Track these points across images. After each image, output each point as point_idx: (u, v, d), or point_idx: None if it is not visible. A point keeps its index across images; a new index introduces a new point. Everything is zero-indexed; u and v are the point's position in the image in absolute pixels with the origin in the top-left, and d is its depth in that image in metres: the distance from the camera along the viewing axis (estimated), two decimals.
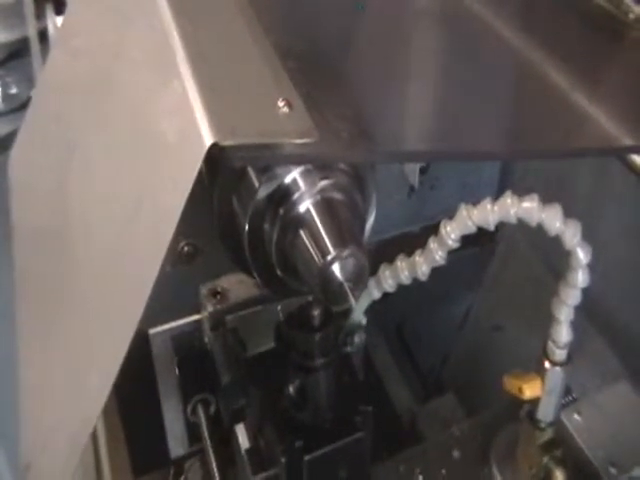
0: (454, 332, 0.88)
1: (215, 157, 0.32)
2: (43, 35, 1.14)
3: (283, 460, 0.47)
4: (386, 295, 0.71)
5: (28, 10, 1.11)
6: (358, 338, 0.52)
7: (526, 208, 0.39)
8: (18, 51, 1.40)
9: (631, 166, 0.55)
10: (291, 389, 0.48)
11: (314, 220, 0.41)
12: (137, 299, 0.36)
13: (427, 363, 0.91)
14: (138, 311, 0.36)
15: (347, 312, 0.50)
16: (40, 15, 1.12)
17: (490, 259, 0.82)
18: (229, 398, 0.52)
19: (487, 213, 0.39)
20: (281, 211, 0.42)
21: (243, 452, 0.53)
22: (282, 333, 0.48)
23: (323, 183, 0.42)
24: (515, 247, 0.78)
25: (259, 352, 0.53)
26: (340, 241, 0.40)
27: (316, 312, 0.45)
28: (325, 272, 0.39)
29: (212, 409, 0.60)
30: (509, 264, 0.80)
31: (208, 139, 0.32)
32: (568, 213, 0.39)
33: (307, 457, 0.47)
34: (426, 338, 0.91)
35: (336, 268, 0.39)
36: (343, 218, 0.42)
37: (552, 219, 0.39)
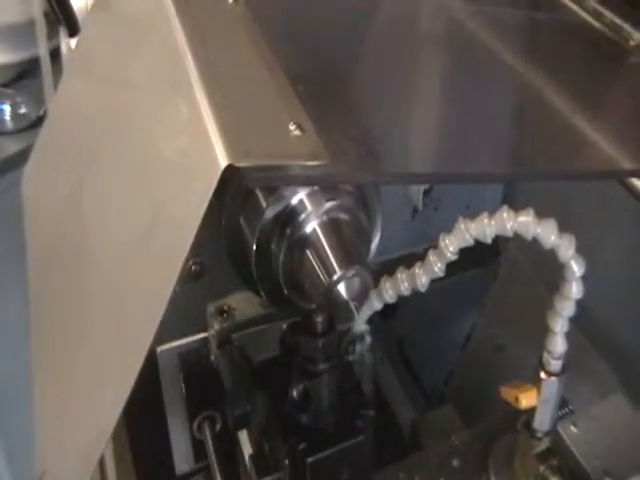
0: (457, 353, 0.88)
1: (229, 178, 0.33)
2: (53, 55, 1.16)
3: (287, 462, 0.48)
4: (390, 316, 0.72)
5: (40, 31, 1.12)
6: (360, 347, 0.53)
7: (522, 222, 0.40)
8: (27, 71, 1.42)
9: (631, 189, 0.56)
10: (295, 393, 0.49)
11: (320, 240, 0.42)
12: (151, 317, 0.37)
13: (430, 383, 0.92)
14: (152, 329, 0.37)
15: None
16: (51, 35, 1.14)
17: (493, 281, 0.83)
18: (233, 404, 0.53)
19: (484, 226, 0.40)
20: (288, 231, 0.43)
21: (247, 458, 0.54)
22: (287, 339, 0.50)
23: (329, 204, 0.43)
24: (517, 269, 0.79)
25: (263, 359, 0.54)
26: (346, 261, 0.41)
27: (319, 319, 0.46)
28: (331, 291, 0.40)
29: (218, 426, 0.60)
30: (511, 285, 0.81)
31: (223, 160, 0.33)
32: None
33: (310, 459, 0.48)
34: (429, 359, 0.91)
35: (342, 287, 0.40)
36: (348, 238, 0.43)
37: (547, 233, 0.40)
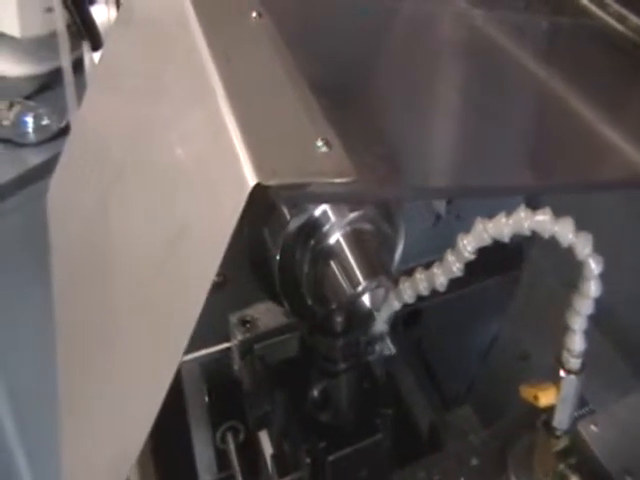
0: (480, 361, 0.88)
1: (257, 196, 0.33)
2: (75, 67, 1.17)
3: (307, 461, 0.48)
4: (413, 323, 0.71)
5: (63, 43, 1.14)
6: (379, 347, 0.53)
7: (539, 221, 0.40)
8: (49, 83, 1.44)
9: None
10: (315, 393, 0.50)
11: (344, 251, 0.42)
12: (180, 334, 0.37)
13: (452, 391, 0.91)
14: (180, 347, 0.37)
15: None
16: (73, 48, 1.16)
17: (515, 288, 0.82)
18: (253, 405, 0.53)
19: (502, 226, 0.40)
20: (312, 242, 0.43)
21: (268, 458, 0.54)
22: (306, 340, 0.50)
23: (352, 215, 0.43)
24: (540, 275, 0.78)
25: (282, 359, 0.54)
26: (370, 272, 0.41)
27: (339, 318, 0.47)
28: (355, 302, 0.40)
29: (241, 436, 0.61)
30: (534, 292, 0.80)
31: (252, 179, 0.33)
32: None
33: (330, 457, 0.48)
34: (451, 367, 0.90)
35: (366, 298, 0.40)
36: (372, 249, 0.43)
37: (564, 231, 0.40)
